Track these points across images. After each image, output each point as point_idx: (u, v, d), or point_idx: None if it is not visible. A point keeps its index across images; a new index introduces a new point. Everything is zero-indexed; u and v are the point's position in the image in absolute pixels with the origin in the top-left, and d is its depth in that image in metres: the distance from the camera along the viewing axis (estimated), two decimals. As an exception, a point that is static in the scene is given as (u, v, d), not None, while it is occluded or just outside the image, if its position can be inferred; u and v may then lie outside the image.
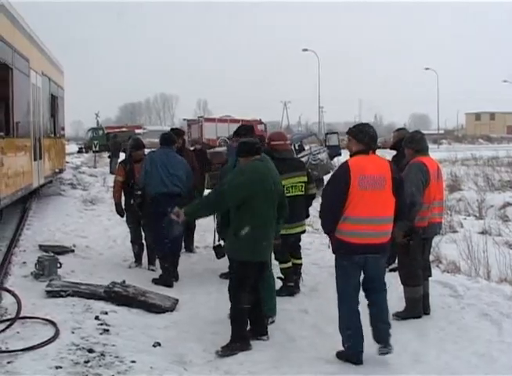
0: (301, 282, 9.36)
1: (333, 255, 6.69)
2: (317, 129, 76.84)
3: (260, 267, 7.06)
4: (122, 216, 11.10)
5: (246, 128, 8.90)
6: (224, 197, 6.88)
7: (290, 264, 9.19)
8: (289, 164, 9.01)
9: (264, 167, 7.04)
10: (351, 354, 6.51)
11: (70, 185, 23.78)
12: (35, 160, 16.21)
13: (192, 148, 13.66)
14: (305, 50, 75.37)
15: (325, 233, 6.83)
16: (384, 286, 6.73)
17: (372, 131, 6.59)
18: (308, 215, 9.63)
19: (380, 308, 6.64)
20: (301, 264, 9.45)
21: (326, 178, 26.62)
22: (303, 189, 9.15)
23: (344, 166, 6.42)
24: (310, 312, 8.28)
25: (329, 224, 6.49)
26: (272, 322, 7.64)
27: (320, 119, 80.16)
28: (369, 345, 6.56)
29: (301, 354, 6.75)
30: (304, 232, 9.50)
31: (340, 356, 6.58)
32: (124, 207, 10.97)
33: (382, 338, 6.55)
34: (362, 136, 6.50)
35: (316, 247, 12.18)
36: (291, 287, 9.10)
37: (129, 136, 42.53)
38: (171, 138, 10.29)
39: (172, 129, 11.90)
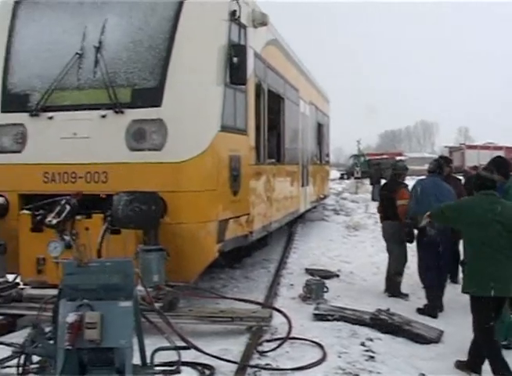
0: None
1: None
2: None
3: (492, 303, 6.64)
4: (411, 242, 10.60)
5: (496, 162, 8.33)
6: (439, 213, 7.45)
7: None
8: None
9: (483, 200, 6.86)
10: None
11: (333, 210, 24.30)
12: (302, 186, 16.85)
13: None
14: None
15: None
16: None
17: None
18: None
19: None
20: None
21: None
22: None
23: None
24: None
25: None
26: None
27: None
28: None
29: None
30: None
31: None
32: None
33: None
34: None
35: None
36: None
37: (391, 163, 42.38)
38: (440, 166, 10.14)
39: (440, 157, 11.74)
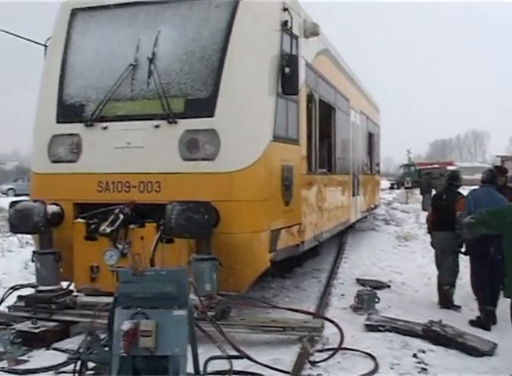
0: None
1: None
2: None
3: None
4: (466, 254, 10.44)
5: None
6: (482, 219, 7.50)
7: None
8: None
9: None
10: None
11: (384, 220, 24.13)
12: (353, 195, 16.79)
13: None
14: None
15: None
16: None
17: None
18: None
19: None
20: None
21: None
22: None
23: None
24: None
25: None
26: None
27: None
28: None
29: None
30: None
31: None
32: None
33: None
34: None
35: None
36: None
37: (441, 173, 41.87)
38: (494, 175, 10.00)
39: (495, 167, 11.58)
